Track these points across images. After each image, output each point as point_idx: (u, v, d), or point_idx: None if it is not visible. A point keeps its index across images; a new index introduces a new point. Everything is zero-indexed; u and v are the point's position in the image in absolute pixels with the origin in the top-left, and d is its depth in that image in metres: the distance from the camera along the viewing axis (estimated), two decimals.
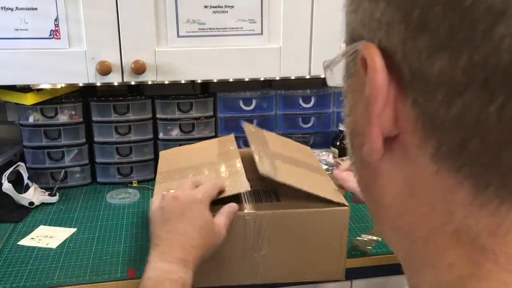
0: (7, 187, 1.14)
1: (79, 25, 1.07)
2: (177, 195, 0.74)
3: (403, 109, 0.25)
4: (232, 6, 1.12)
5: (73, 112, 1.27)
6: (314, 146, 1.40)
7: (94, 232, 1.06)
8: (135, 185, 1.31)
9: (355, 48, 0.28)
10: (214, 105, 1.34)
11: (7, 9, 1.05)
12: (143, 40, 1.09)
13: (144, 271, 0.69)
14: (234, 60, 1.15)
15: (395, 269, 0.90)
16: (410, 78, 0.24)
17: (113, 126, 1.29)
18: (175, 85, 1.26)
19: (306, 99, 1.38)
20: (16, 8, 1.05)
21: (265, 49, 1.16)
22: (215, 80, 1.27)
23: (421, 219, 0.27)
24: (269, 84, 1.39)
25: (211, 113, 1.34)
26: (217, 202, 0.79)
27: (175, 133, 1.33)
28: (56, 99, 1.25)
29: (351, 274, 0.92)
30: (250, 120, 1.36)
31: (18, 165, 1.19)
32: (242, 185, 0.81)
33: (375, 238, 1.02)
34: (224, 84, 1.31)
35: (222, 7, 1.12)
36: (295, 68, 1.19)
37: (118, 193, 1.26)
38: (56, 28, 1.07)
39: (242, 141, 1.37)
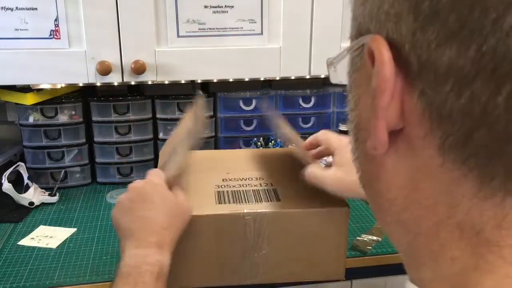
0: (7, 187, 1.14)
1: (79, 25, 1.07)
2: (132, 186, 0.73)
3: (410, 102, 0.25)
4: (232, 6, 1.12)
5: (73, 112, 1.27)
6: None
7: (94, 232, 1.06)
8: None
9: (362, 42, 0.28)
10: (214, 105, 1.35)
11: (7, 9, 1.05)
12: (143, 40, 1.09)
13: (120, 260, 0.67)
14: (234, 60, 1.15)
15: (395, 269, 0.90)
16: (418, 70, 0.25)
17: (113, 126, 1.29)
18: (175, 85, 1.26)
19: (306, 99, 1.38)
20: (16, 8, 1.05)
21: (265, 49, 1.16)
22: (215, 80, 1.27)
23: (426, 213, 0.27)
24: (269, 84, 1.39)
25: (211, 113, 1.34)
26: None
27: None
28: (56, 99, 1.25)
29: (351, 274, 0.92)
30: (250, 120, 1.37)
31: (18, 165, 1.19)
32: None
33: (375, 238, 1.02)
34: (224, 84, 1.31)
35: (222, 7, 1.12)
36: (295, 68, 1.19)
37: (118, 193, 1.26)
38: (56, 28, 1.07)
39: (242, 141, 1.37)
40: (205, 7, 1.11)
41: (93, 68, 1.08)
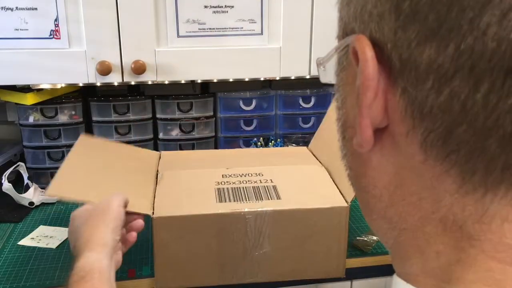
0: (7, 187, 1.14)
1: (79, 25, 1.07)
2: (80, 209, 0.76)
3: (393, 99, 0.26)
4: (232, 6, 1.12)
5: (73, 112, 1.27)
6: None
7: None
8: None
9: (347, 42, 0.28)
10: (214, 105, 1.35)
11: (7, 9, 1.05)
12: (143, 40, 1.10)
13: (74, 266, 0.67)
14: (234, 60, 1.15)
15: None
16: (400, 68, 0.25)
17: (113, 126, 1.29)
18: (175, 85, 1.26)
19: (306, 99, 1.38)
20: (16, 8, 1.05)
21: (265, 49, 1.16)
22: (215, 80, 1.27)
23: (410, 209, 0.28)
24: (269, 84, 1.39)
25: (211, 113, 1.34)
26: None
27: (175, 133, 1.33)
28: (56, 99, 1.25)
29: (351, 274, 0.93)
30: (250, 120, 1.37)
31: (18, 165, 1.19)
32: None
33: (375, 238, 1.02)
34: (224, 84, 1.31)
35: (222, 7, 1.12)
36: (295, 68, 1.19)
37: None
38: (56, 28, 1.07)
39: (242, 141, 1.38)
40: (205, 7, 1.11)
41: (93, 68, 1.08)
